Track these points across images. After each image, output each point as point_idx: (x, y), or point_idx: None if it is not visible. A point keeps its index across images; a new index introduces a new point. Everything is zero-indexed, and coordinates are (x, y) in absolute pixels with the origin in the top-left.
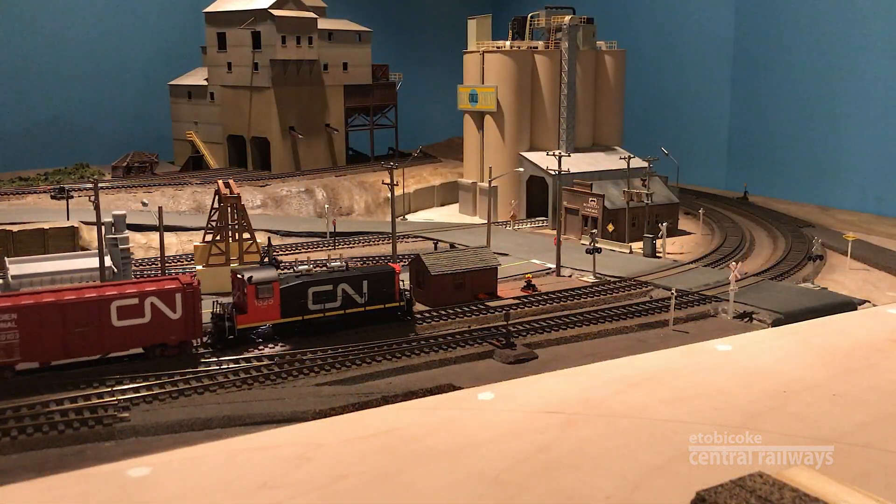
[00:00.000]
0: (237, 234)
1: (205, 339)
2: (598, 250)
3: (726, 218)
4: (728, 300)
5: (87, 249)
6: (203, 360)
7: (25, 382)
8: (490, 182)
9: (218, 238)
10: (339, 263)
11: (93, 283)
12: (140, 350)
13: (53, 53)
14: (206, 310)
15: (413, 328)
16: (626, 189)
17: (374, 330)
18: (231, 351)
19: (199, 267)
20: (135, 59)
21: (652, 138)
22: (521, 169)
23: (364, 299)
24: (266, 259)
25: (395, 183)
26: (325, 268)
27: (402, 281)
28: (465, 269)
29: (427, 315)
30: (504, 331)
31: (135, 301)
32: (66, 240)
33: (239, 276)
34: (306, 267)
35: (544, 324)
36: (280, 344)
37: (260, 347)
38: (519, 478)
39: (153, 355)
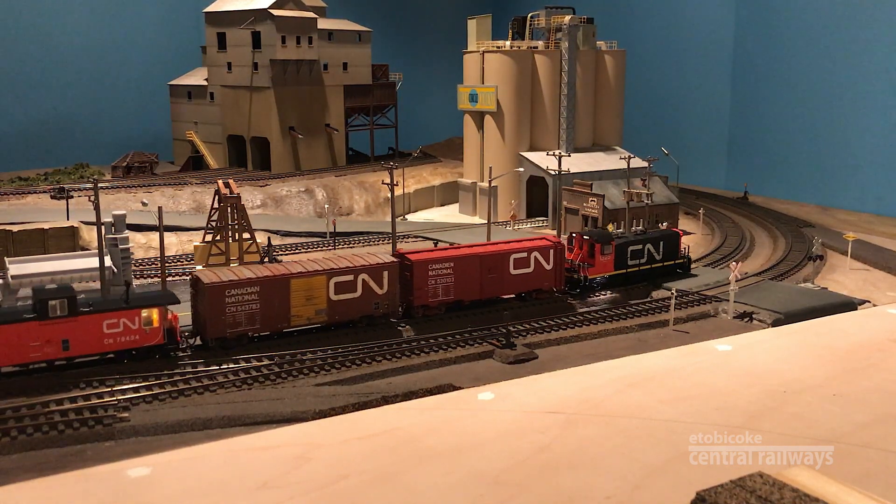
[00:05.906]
0: (237, 234)
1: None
2: None
3: (726, 218)
4: (728, 300)
5: (87, 249)
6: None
7: (26, 382)
8: (490, 182)
9: (218, 238)
10: (641, 227)
11: (492, 240)
12: (513, 295)
13: (53, 53)
14: None
15: (693, 280)
16: (626, 189)
17: (665, 277)
18: (574, 297)
19: (199, 267)
20: (135, 59)
21: (652, 138)
22: (521, 169)
23: (660, 256)
24: (266, 259)
25: (395, 183)
26: (633, 230)
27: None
28: None
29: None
30: (504, 331)
31: (524, 255)
32: (66, 240)
33: (585, 237)
34: (620, 230)
35: (544, 324)
36: (609, 291)
37: (598, 294)
38: (519, 478)
39: (529, 298)
